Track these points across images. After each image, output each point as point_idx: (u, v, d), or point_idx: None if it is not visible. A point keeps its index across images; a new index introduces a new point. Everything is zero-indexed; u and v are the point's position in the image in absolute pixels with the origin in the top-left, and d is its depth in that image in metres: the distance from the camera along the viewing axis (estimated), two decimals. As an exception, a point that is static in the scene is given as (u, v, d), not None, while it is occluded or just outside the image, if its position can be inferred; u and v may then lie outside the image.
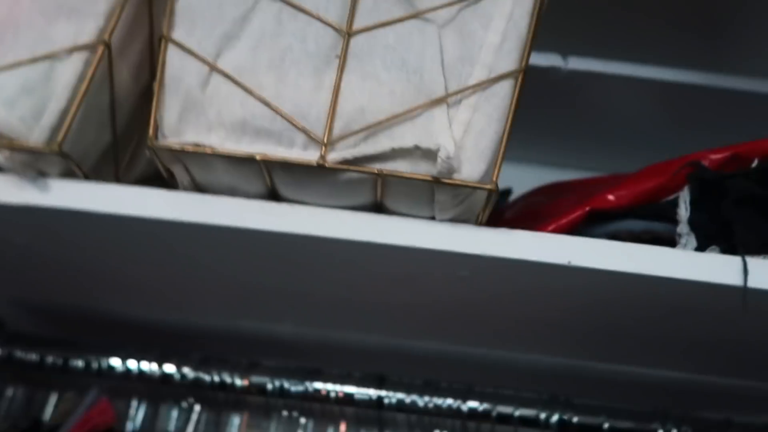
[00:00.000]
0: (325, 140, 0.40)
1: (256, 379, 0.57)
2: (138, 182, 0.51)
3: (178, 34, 0.43)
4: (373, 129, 0.40)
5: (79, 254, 0.52)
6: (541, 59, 0.63)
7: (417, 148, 0.39)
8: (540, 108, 0.67)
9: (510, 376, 0.64)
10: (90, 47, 0.44)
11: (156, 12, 0.49)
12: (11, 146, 0.43)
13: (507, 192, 0.72)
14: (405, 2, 0.43)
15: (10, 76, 0.43)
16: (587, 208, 0.46)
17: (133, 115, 0.50)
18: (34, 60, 0.43)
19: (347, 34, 0.42)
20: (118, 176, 0.51)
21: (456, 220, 0.42)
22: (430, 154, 0.39)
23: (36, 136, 0.42)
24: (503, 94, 0.40)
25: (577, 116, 0.71)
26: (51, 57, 0.43)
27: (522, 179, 0.70)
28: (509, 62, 0.41)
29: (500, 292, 0.47)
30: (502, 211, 0.65)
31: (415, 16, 0.42)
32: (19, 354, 0.60)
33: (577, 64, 0.63)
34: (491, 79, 0.40)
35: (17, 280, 0.63)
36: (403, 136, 0.40)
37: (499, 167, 0.40)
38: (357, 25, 0.42)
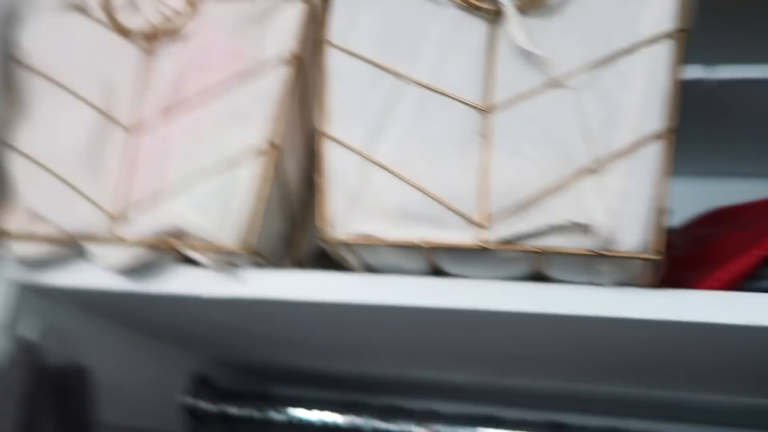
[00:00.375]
0: (482, 222, 0.42)
1: (436, 427, 0.60)
2: (313, 256, 0.55)
3: (332, 128, 0.46)
4: (526, 206, 0.41)
5: (269, 325, 0.59)
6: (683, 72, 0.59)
7: (571, 223, 0.40)
8: (693, 122, 0.63)
9: (692, 415, 0.61)
10: (263, 150, 0.48)
11: (310, 107, 0.52)
12: (212, 250, 0.47)
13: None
14: (540, 71, 0.43)
15: (200, 184, 0.48)
16: (761, 254, 0.43)
17: (299, 199, 0.55)
18: (218, 167, 0.48)
19: (487, 112, 0.43)
20: (297, 258, 0.55)
21: (620, 282, 0.41)
22: (585, 227, 0.40)
23: (227, 236, 0.47)
24: (653, 154, 0.39)
25: (734, 126, 0.66)
26: (231, 163, 0.48)
27: (686, 194, 0.66)
28: (655, 121, 0.40)
29: (676, 348, 0.45)
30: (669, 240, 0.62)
31: (552, 85, 0.42)
32: (228, 409, 0.69)
33: (725, 73, 0.59)
34: (639, 141, 0.40)
35: (217, 345, 0.72)
36: (556, 212, 0.40)
37: (663, 231, 0.39)
38: (496, 100, 0.43)
